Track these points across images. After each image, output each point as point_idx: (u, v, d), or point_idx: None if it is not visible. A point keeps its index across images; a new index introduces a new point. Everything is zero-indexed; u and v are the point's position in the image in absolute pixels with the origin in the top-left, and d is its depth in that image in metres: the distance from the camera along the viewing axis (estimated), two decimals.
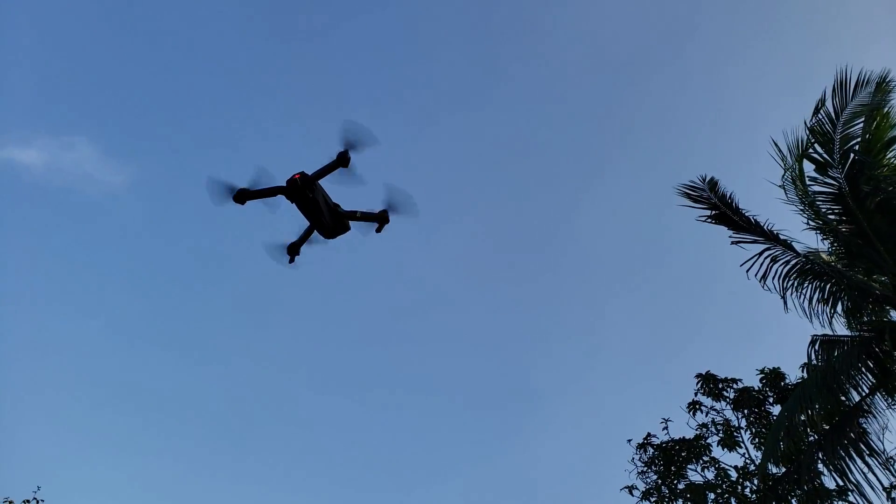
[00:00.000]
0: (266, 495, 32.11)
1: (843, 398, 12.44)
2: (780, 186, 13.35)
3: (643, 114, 42.99)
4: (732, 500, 15.94)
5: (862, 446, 11.71)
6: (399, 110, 41.14)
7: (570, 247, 42.45)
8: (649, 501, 16.76)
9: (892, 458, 14.17)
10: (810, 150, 13.24)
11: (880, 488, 11.52)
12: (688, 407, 17.27)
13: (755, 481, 15.79)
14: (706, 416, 17.13)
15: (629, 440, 17.65)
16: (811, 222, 13.30)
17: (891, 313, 12.22)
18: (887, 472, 11.58)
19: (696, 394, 17.31)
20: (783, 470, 14.27)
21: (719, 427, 16.83)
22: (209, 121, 40.42)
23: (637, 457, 17.33)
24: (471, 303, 41.80)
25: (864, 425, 11.95)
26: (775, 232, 12.85)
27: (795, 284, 12.56)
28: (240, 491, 33.65)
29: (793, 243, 12.90)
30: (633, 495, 16.93)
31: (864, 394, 11.99)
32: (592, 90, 42.62)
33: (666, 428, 17.39)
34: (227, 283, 40.98)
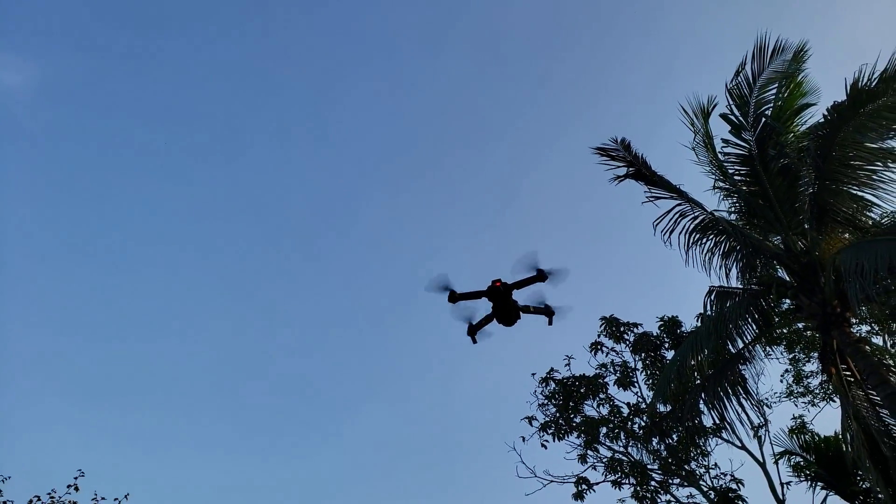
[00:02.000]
0: None
1: (728, 346, 13.50)
2: (691, 148, 13.94)
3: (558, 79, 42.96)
4: (622, 434, 17.11)
5: (739, 389, 12.82)
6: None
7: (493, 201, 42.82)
8: (546, 432, 17.70)
9: (762, 401, 15.54)
10: (727, 112, 13.83)
11: (749, 427, 12.75)
12: (590, 347, 18.17)
13: (644, 418, 16.95)
14: (606, 356, 18.10)
15: (533, 374, 18.40)
16: (718, 183, 14.01)
17: (779, 270, 13.16)
18: (757, 413, 12.78)
19: (598, 335, 18.24)
20: (670, 409, 15.44)
21: (617, 367, 17.86)
22: (129, 12, 36.78)
23: (539, 390, 18.17)
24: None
25: (743, 371, 13.05)
26: (684, 191, 13.49)
27: (699, 239, 13.32)
28: None
29: (700, 202, 13.60)
30: (531, 426, 17.84)
31: (747, 342, 13.03)
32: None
33: (568, 365, 18.22)
34: (143, 202, 38.89)
